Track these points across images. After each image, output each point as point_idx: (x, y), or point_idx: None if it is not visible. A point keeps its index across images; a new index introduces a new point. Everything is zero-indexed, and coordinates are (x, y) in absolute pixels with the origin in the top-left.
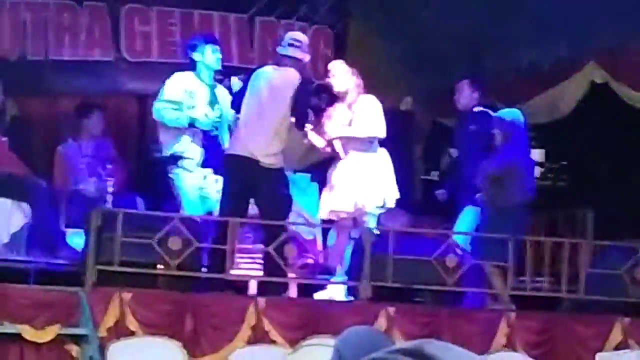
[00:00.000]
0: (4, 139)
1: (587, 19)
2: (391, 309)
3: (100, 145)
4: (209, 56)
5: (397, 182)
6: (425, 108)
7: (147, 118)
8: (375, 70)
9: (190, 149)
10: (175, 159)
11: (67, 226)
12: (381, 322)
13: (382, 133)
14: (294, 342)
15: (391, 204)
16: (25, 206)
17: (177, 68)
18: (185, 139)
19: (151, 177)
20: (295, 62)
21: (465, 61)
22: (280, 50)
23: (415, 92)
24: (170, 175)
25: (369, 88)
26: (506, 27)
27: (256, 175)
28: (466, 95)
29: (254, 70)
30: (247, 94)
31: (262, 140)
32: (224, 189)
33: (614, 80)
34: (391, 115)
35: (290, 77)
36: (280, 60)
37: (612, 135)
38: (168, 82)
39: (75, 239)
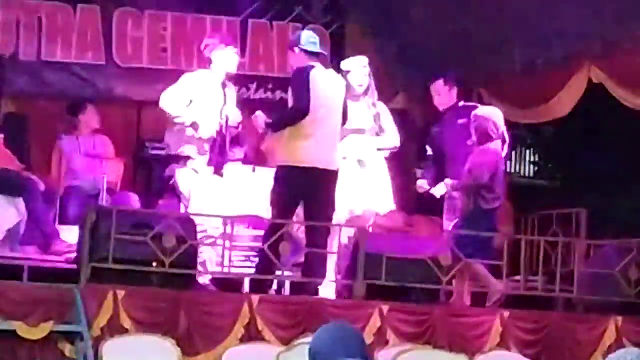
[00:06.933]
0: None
1: (581, 18)
2: (385, 307)
3: (97, 142)
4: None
5: (392, 180)
6: (420, 107)
7: (140, 120)
8: (371, 69)
9: (197, 151)
10: (180, 158)
11: (62, 222)
12: (374, 321)
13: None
14: (287, 341)
15: (384, 210)
16: (20, 202)
17: (166, 74)
18: (193, 140)
19: (146, 175)
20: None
21: (460, 60)
22: (311, 47)
23: (411, 90)
24: (174, 174)
25: None
26: (500, 26)
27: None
28: (444, 94)
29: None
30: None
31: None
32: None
33: (609, 81)
34: None
35: (340, 80)
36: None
37: (606, 135)
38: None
39: (70, 235)
